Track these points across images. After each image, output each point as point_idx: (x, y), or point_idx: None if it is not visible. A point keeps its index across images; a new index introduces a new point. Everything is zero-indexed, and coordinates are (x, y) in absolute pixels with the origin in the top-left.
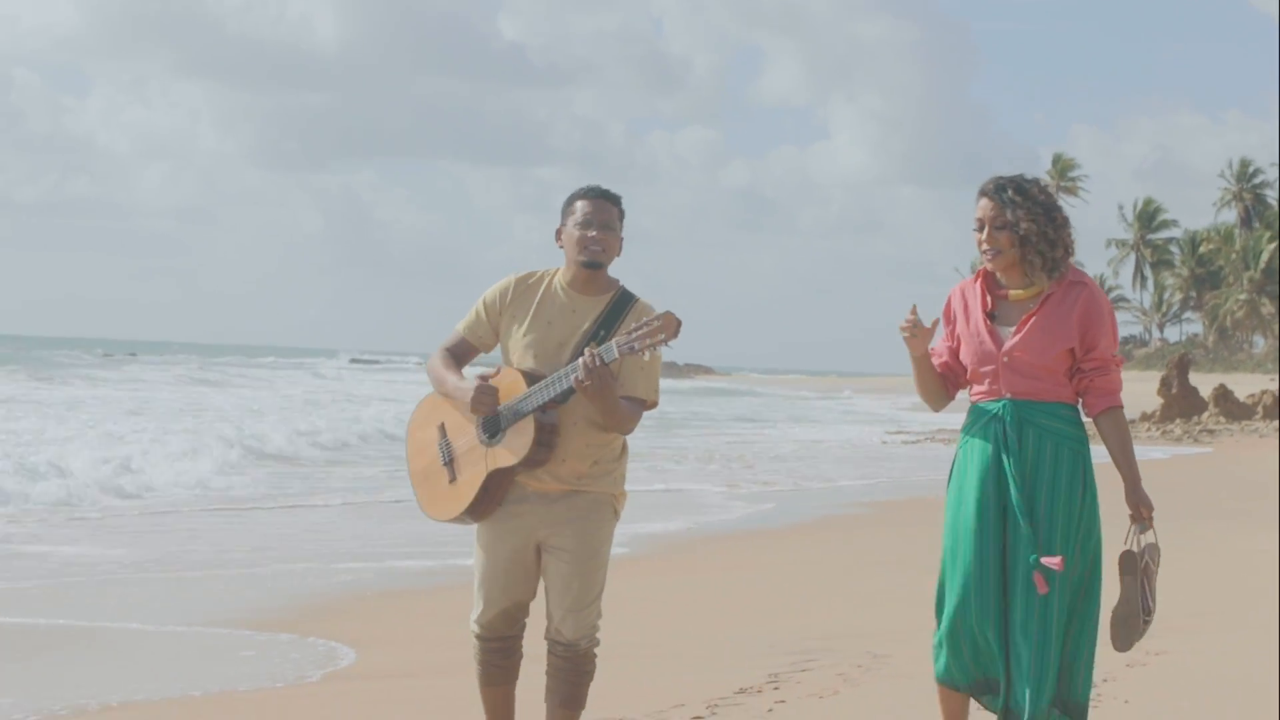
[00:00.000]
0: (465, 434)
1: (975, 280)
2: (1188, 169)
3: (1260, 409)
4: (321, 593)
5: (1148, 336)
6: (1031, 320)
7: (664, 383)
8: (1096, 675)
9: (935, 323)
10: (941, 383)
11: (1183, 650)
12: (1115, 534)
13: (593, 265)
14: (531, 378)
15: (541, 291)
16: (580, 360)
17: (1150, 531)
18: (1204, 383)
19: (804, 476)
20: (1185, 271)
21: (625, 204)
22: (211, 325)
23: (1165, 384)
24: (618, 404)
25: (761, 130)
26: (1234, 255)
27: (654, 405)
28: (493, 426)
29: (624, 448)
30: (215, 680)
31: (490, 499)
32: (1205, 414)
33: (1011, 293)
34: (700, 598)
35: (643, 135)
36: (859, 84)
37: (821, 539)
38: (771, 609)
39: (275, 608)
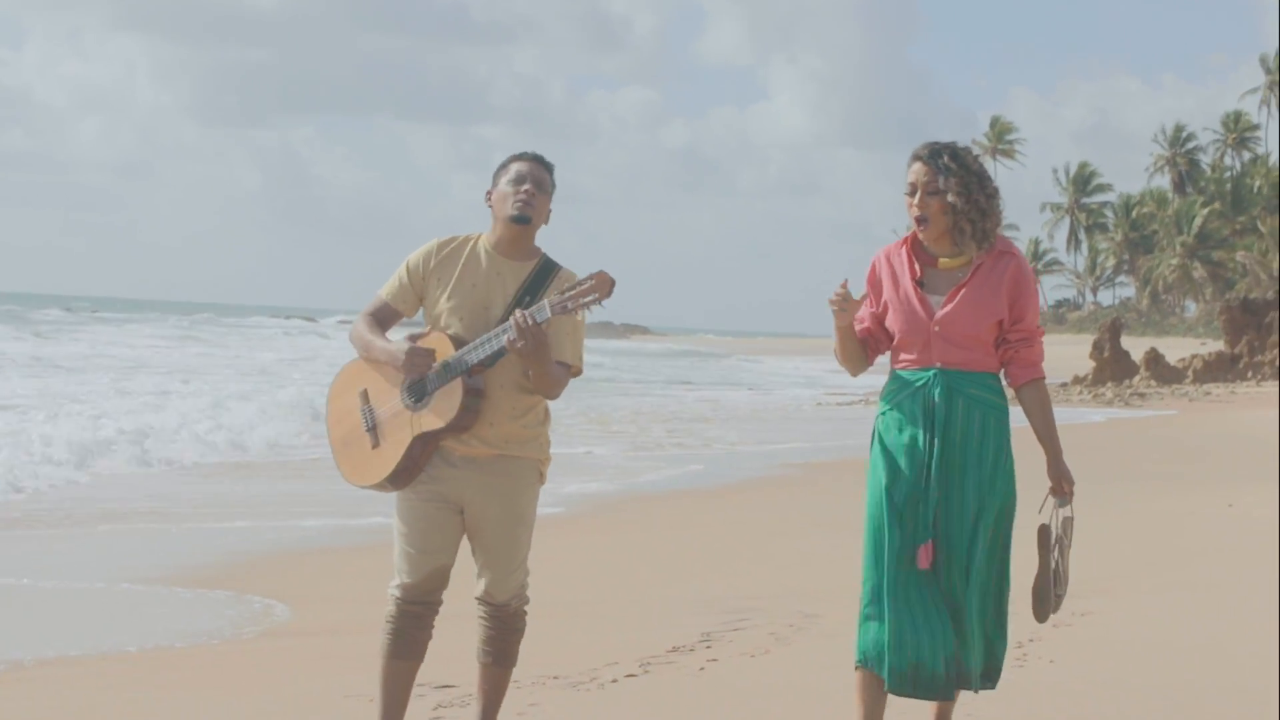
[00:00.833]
0: (389, 399)
1: (901, 246)
2: (1124, 133)
3: (1190, 373)
4: (256, 550)
5: (1081, 300)
6: (963, 290)
7: (597, 343)
8: (1022, 635)
9: (864, 296)
10: (862, 349)
11: (1108, 611)
12: (1030, 503)
13: (522, 219)
14: (459, 342)
15: (466, 255)
16: (512, 320)
17: (1069, 506)
18: (1136, 346)
19: (736, 438)
20: (1119, 235)
21: (565, 163)
22: (146, 281)
23: (1097, 347)
24: (552, 366)
25: (702, 90)
26: (1167, 219)
27: (579, 373)
28: (419, 391)
29: (547, 412)
30: (151, 636)
31: (415, 464)
32: (1136, 378)
33: (941, 261)
34: (633, 557)
35: (583, 94)
36: (800, 45)
37: (753, 500)
38: (704, 569)
39: (210, 564)
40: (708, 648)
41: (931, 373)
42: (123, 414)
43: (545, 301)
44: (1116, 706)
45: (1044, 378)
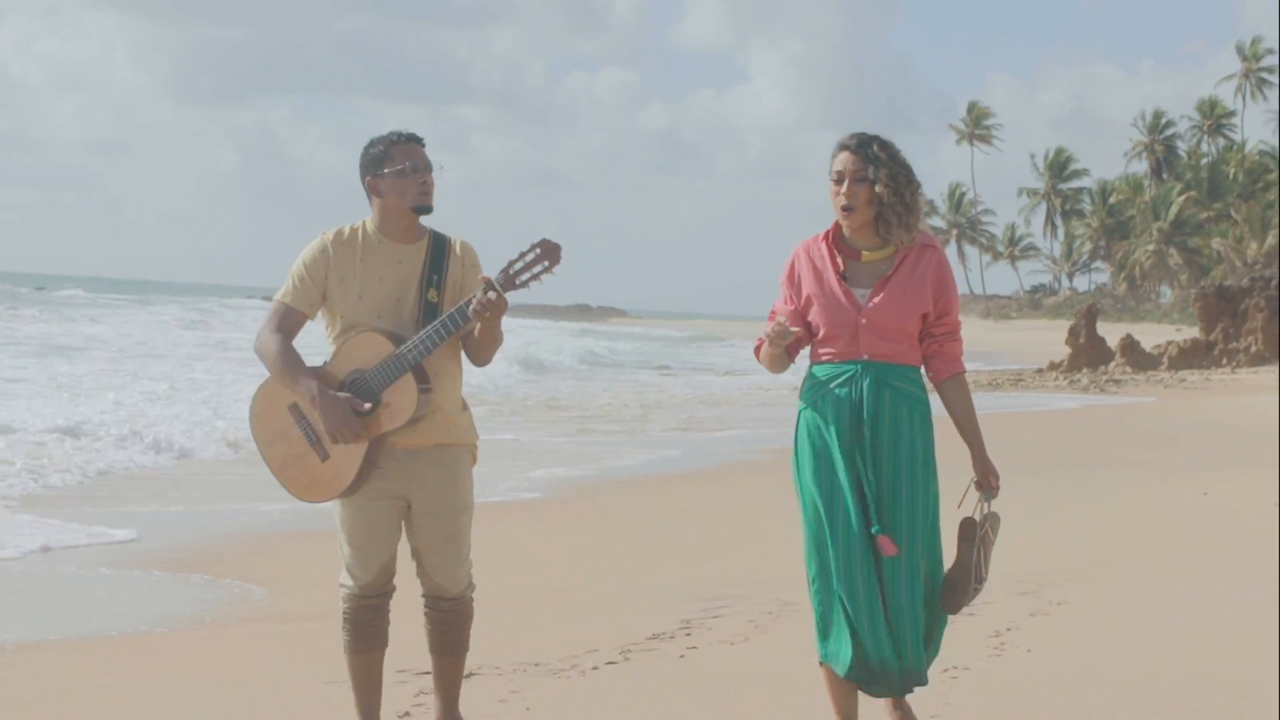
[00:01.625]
0: None
1: (820, 240)
2: (1102, 119)
3: (1166, 359)
4: (234, 534)
5: (1057, 286)
6: (890, 283)
7: (575, 325)
8: (999, 624)
9: (797, 330)
10: (785, 352)
11: (1085, 600)
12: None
13: (426, 210)
14: (395, 338)
15: (360, 247)
16: (486, 298)
17: (993, 500)
18: (1111, 332)
19: (712, 423)
20: (1095, 221)
21: (544, 144)
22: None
23: (1073, 333)
24: (500, 337)
25: (681, 73)
26: (1143, 206)
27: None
28: (364, 393)
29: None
30: (130, 621)
31: (371, 466)
32: (1112, 364)
33: (865, 254)
34: (611, 543)
35: (562, 76)
36: (780, 29)
37: (731, 485)
38: (683, 555)
39: (188, 548)
40: (688, 635)
41: (859, 365)
42: (123, 406)
43: (495, 279)
44: (1094, 695)
45: (964, 371)
